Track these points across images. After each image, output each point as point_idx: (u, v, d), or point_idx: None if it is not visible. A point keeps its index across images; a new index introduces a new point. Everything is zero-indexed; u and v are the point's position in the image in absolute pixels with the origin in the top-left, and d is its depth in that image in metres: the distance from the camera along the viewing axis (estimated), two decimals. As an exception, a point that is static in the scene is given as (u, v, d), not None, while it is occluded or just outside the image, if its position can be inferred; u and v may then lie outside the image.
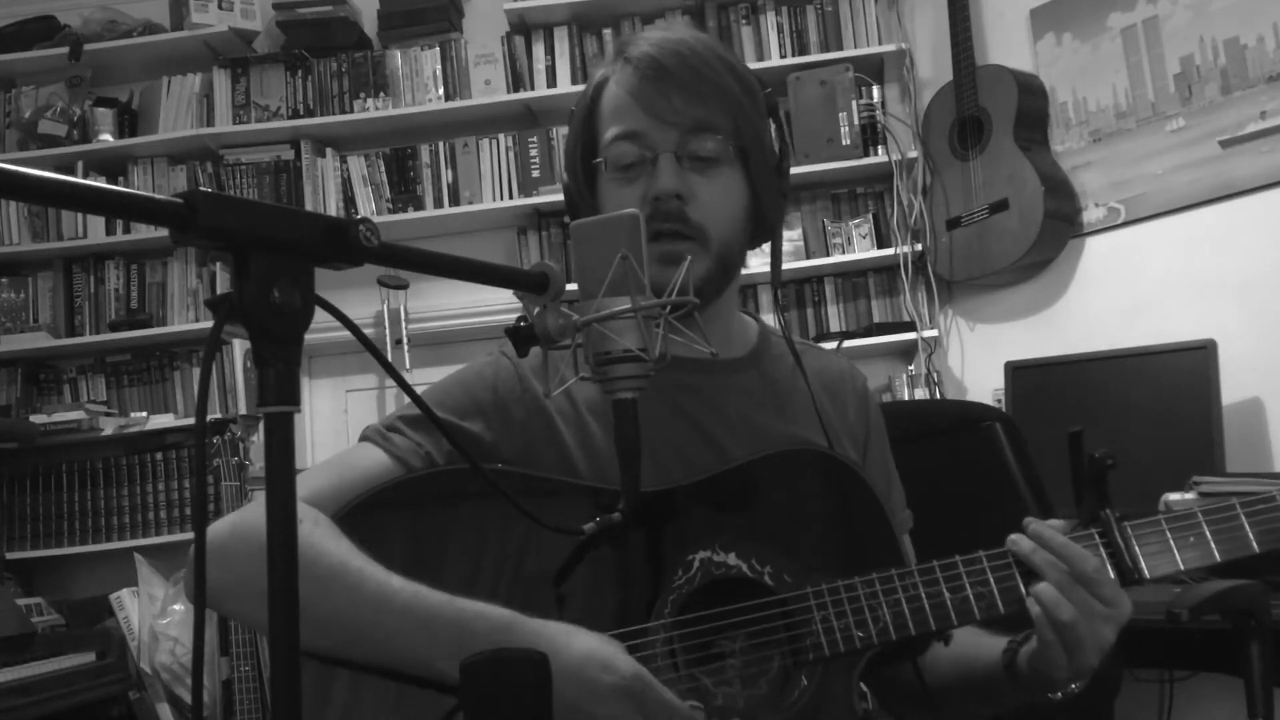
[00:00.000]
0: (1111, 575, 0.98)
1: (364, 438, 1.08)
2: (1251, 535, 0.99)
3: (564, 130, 3.44)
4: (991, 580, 0.99)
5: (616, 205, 1.06)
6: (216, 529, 0.97)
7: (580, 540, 0.95)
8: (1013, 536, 1.00)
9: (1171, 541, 0.99)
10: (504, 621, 0.90)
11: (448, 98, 3.50)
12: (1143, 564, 0.99)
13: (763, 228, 1.14)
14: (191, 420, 3.36)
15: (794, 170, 3.25)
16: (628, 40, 1.12)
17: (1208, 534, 0.99)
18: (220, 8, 3.54)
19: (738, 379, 1.15)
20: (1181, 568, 0.99)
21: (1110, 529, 1.00)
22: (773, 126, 1.13)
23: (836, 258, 3.31)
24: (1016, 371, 2.79)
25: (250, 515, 0.99)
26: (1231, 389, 2.47)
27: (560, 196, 3.58)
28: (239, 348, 3.43)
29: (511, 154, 3.46)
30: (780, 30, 3.43)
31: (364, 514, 0.99)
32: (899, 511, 1.22)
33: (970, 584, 0.99)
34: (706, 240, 1.07)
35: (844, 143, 3.26)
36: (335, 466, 1.05)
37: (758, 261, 1.45)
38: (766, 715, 0.98)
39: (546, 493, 1.03)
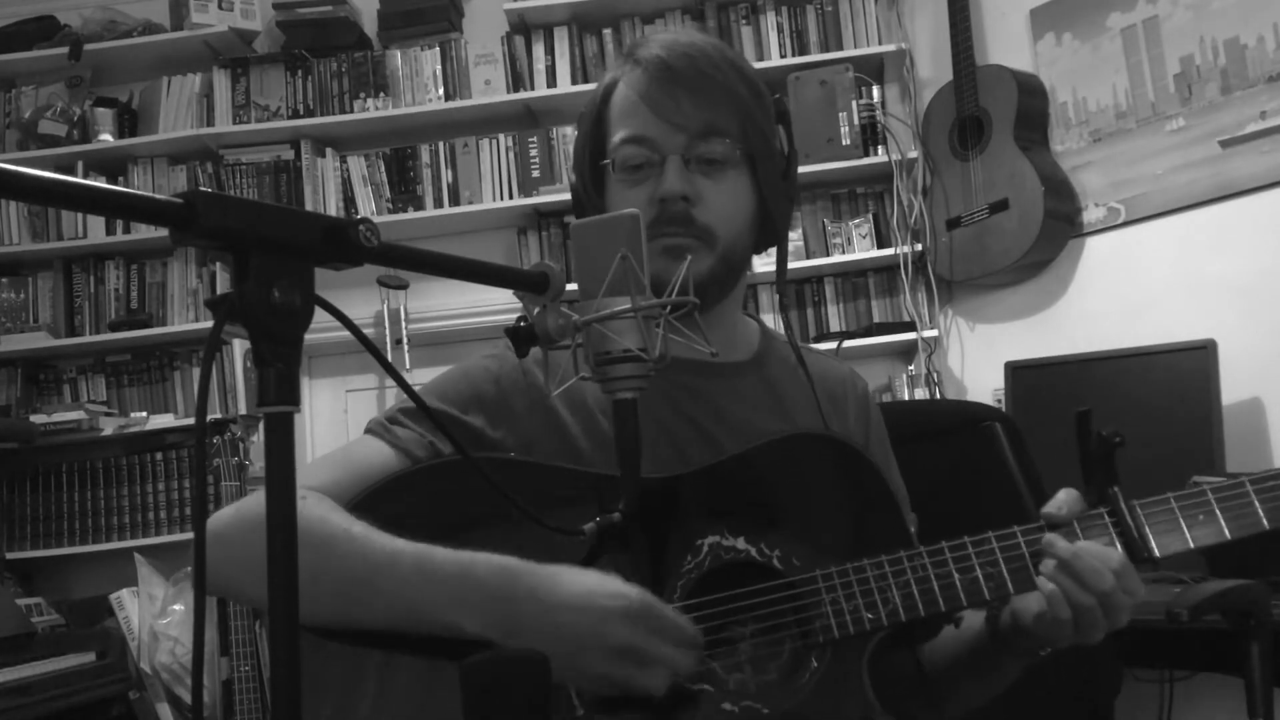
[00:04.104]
0: (1120, 553, 0.98)
1: (367, 430, 1.09)
2: (1262, 512, 0.97)
3: (564, 130, 3.47)
4: (1001, 561, 1.00)
5: (623, 206, 1.06)
6: (218, 517, 0.98)
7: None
8: (1049, 536, 0.99)
9: (1181, 520, 0.98)
10: (505, 563, 0.92)
11: (448, 98, 3.50)
12: (1153, 543, 0.98)
13: (769, 233, 1.15)
14: (191, 420, 3.35)
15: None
16: (639, 42, 1.13)
17: (1218, 512, 0.98)
18: (220, 8, 3.54)
19: (741, 383, 1.16)
20: (1191, 546, 0.98)
21: (1119, 508, 1.00)
22: (781, 131, 1.14)
23: (836, 258, 3.30)
24: (1016, 371, 2.79)
25: (252, 501, 1.00)
26: (1231, 389, 2.47)
27: (560, 196, 3.60)
28: (239, 348, 3.42)
29: (511, 154, 3.46)
30: (780, 30, 3.43)
31: (369, 505, 1.00)
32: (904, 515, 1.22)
33: (980, 564, 1.00)
34: (713, 240, 1.08)
35: (844, 143, 3.26)
36: (338, 459, 1.06)
37: (760, 262, 1.45)
38: (777, 698, 0.99)
39: (555, 479, 1.03)
